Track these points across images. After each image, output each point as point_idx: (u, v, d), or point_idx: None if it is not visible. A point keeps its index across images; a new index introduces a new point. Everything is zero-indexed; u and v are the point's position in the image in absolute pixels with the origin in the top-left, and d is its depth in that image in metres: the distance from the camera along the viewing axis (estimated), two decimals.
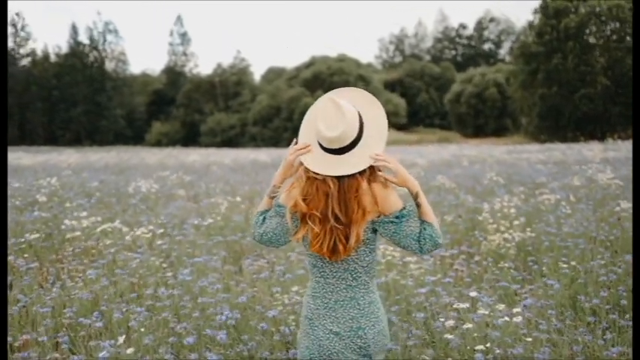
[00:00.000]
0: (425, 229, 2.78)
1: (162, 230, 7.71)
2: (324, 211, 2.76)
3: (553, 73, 54.00)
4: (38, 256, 7.67)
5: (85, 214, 8.22)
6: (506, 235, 7.42)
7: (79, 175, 16.68)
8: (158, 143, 69.50)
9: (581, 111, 52.79)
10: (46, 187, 10.88)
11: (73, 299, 5.29)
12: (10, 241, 7.42)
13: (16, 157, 30.28)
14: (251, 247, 8.10)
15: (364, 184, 2.74)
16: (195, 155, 31.49)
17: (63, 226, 8.09)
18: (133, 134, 77.42)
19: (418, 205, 2.82)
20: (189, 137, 70.87)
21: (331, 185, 2.74)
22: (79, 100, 76.85)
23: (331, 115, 2.72)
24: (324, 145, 2.77)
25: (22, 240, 7.47)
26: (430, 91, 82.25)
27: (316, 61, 73.79)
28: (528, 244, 7.50)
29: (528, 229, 7.85)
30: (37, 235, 7.63)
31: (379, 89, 72.87)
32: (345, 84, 68.64)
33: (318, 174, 2.76)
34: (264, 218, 2.97)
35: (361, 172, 2.75)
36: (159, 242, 6.98)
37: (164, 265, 6.42)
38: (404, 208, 2.79)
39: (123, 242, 6.73)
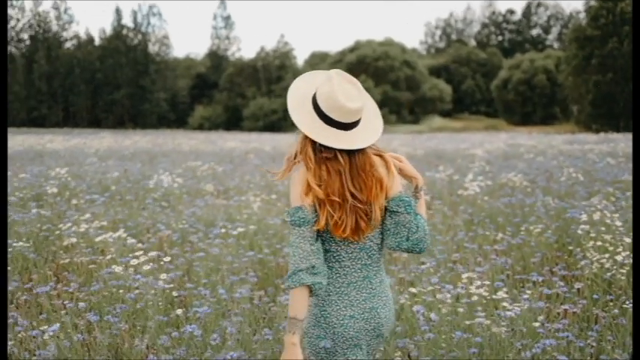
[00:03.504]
0: (417, 218, 2.72)
1: (180, 239, 6.15)
2: (341, 192, 2.61)
3: (608, 59, 51.40)
4: (28, 268, 6.24)
5: (87, 215, 6.65)
6: (617, 257, 5.69)
7: (104, 162, 15.21)
8: (200, 127, 68.96)
9: None
10: (54, 178, 9.38)
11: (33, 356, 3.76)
12: None
13: (49, 139, 29.18)
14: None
15: (376, 159, 2.69)
16: (234, 141, 29.97)
17: (57, 232, 6.59)
18: (176, 118, 77.00)
19: (417, 199, 2.81)
20: (232, 121, 70.01)
21: (342, 162, 2.62)
22: (122, 83, 76.72)
23: (349, 88, 2.64)
24: (338, 119, 2.61)
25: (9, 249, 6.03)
26: (476, 78, 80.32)
27: (361, 46, 72.12)
28: None
29: None
30: (26, 243, 6.19)
31: (424, 75, 71.26)
32: (390, 69, 67.54)
33: (330, 150, 2.60)
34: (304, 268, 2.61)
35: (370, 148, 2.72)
36: (170, 259, 5.34)
37: (174, 295, 4.86)
38: (406, 196, 2.72)
39: (124, 261, 5.14)
